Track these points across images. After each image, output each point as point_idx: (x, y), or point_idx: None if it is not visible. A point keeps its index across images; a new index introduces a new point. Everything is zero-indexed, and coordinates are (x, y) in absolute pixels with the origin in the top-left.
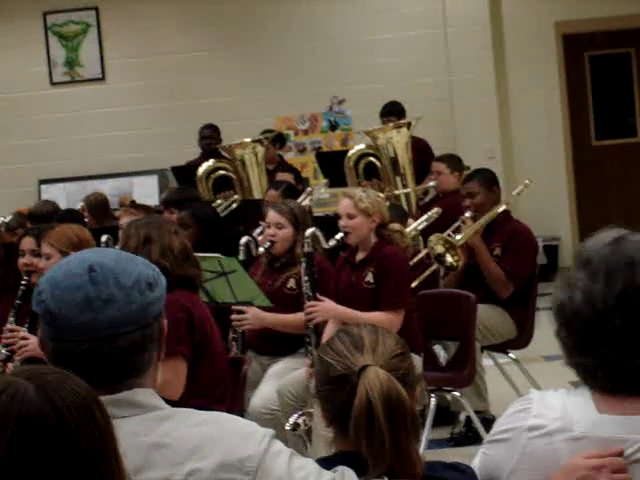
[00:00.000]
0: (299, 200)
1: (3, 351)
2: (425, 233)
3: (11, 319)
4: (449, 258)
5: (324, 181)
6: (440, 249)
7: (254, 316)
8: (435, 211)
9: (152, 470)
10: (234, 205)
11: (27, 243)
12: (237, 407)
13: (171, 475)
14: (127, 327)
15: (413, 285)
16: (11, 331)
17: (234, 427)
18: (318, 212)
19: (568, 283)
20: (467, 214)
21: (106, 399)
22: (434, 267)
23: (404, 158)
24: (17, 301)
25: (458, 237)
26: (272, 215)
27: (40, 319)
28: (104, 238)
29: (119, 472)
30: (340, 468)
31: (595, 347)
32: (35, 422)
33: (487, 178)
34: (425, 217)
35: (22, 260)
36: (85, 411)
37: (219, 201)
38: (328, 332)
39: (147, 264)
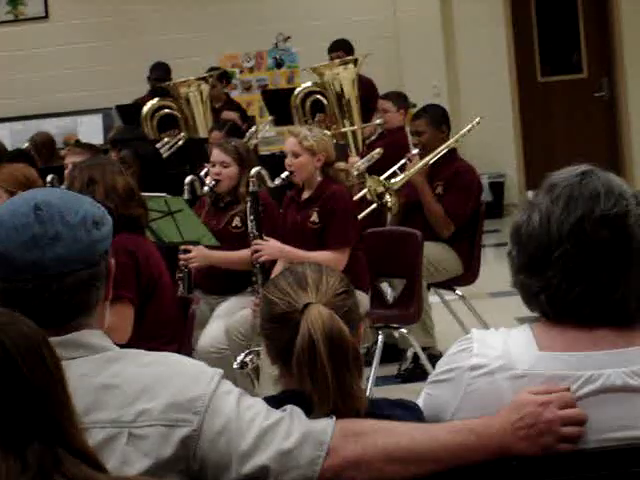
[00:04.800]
0: (245, 140)
1: None
2: (372, 171)
3: None
4: (388, 197)
5: (270, 118)
6: (380, 189)
7: (200, 254)
8: (377, 152)
9: (101, 411)
10: (180, 143)
11: None
12: (185, 347)
13: (120, 416)
14: (74, 265)
15: (359, 224)
16: None
17: (183, 367)
18: (264, 151)
19: (529, 204)
20: (414, 151)
21: (54, 340)
22: (374, 206)
23: (351, 95)
24: None
25: (393, 180)
26: (217, 154)
27: None
28: (49, 178)
29: (69, 412)
30: (289, 407)
31: (542, 269)
32: None
33: (436, 116)
34: (367, 157)
35: None
36: (34, 351)
37: (165, 139)
38: (276, 272)
39: (93, 203)
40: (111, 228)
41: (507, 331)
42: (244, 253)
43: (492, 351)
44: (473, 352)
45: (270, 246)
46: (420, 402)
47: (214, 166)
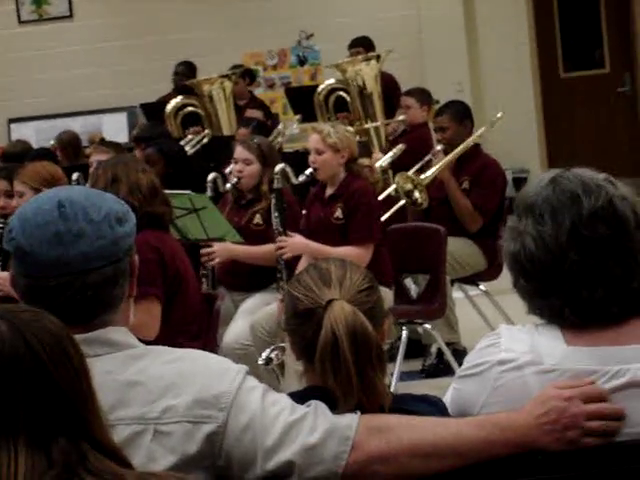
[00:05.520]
0: (270, 138)
1: None
2: (395, 168)
3: None
4: (417, 194)
5: (297, 116)
6: (409, 186)
7: (222, 248)
8: (399, 147)
9: (127, 408)
10: (204, 141)
11: None
12: (210, 344)
13: (146, 412)
14: (98, 262)
15: (382, 220)
16: None
17: (208, 364)
18: (288, 148)
19: (516, 232)
20: (438, 147)
21: (79, 338)
22: (402, 202)
23: (373, 90)
24: None
25: (423, 176)
26: (239, 151)
27: (11, 256)
28: (75, 176)
29: (94, 409)
30: (313, 402)
31: (557, 286)
32: (9, 360)
33: (458, 112)
34: (390, 154)
35: None
36: (59, 349)
37: (190, 137)
38: (300, 268)
39: (116, 200)
40: (134, 225)
41: (535, 326)
42: (267, 248)
43: (520, 346)
44: (501, 347)
45: (295, 242)
46: (448, 397)
47: (237, 163)
